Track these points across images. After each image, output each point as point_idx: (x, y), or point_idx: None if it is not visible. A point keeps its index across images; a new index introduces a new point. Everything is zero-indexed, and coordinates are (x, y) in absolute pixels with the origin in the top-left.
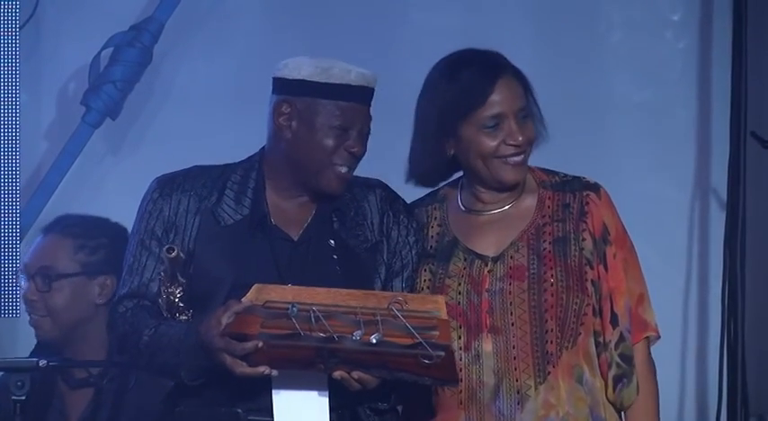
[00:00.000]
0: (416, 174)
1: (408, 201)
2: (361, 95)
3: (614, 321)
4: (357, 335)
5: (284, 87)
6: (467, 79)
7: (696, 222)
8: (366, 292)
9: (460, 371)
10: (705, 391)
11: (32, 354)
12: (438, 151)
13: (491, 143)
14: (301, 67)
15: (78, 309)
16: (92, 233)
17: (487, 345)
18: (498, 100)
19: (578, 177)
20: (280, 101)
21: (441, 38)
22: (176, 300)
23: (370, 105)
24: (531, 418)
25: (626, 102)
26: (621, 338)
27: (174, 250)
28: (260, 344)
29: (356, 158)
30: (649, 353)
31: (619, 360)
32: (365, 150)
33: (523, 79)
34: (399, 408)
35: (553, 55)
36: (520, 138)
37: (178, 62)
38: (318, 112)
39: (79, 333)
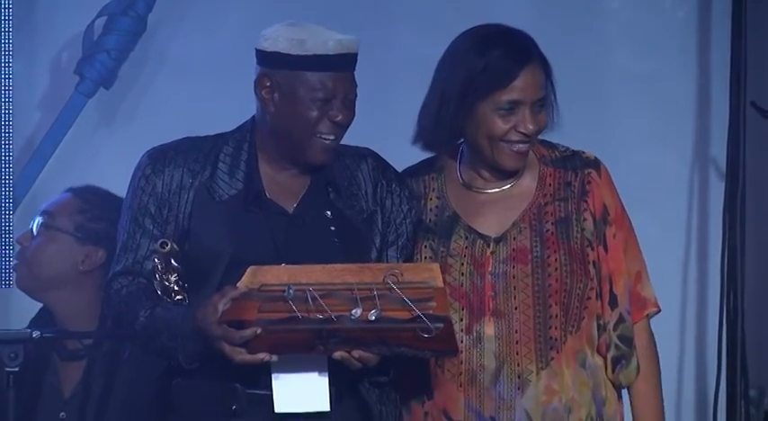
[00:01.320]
0: (424, 138)
1: (400, 170)
2: (340, 63)
3: (613, 302)
4: (355, 313)
5: (264, 60)
6: (495, 59)
7: (695, 193)
8: (361, 266)
9: (461, 353)
10: (704, 363)
11: (29, 327)
12: (451, 122)
13: (503, 126)
14: (277, 40)
15: (57, 267)
16: (101, 204)
17: (489, 329)
18: (520, 87)
19: (578, 152)
20: (261, 74)
21: (438, 8)
22: (171, 285)
23: (352, 70)
24: (531, 403)
25: (624, 71)
26: (621, 319)
27: (167, 244)
28: (258, 330)
29: (342, 126)
30: (650, 331)
31: (618, 341)
32: (352, 116)
33: (548, 68)
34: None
35: (551, 25)
36: (530, 127)
37: (173, 31)
38: (298, 85)
39: (59, 297)
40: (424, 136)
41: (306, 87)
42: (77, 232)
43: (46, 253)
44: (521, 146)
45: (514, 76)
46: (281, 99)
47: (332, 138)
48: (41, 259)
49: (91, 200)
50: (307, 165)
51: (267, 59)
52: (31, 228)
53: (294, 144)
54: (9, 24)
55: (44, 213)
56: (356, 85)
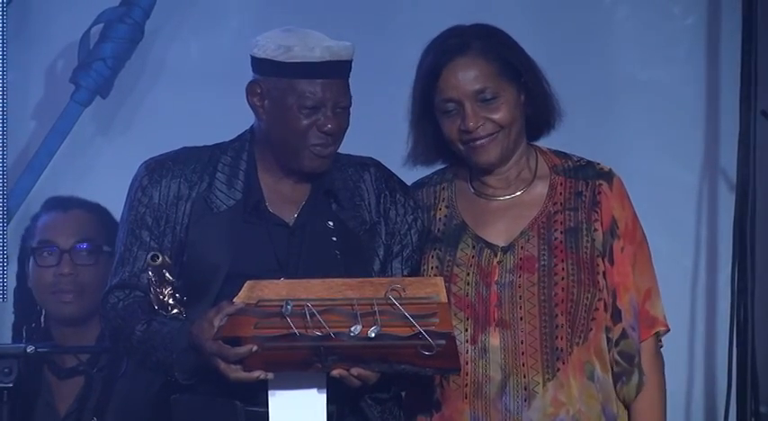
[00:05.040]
0: (416, 156)
1: (405, 180)
2: (329, 70)
3: (617, 317)
4: (355, 329)
5: (255, 66)
6: (425, 64)
7: (705, 204)
8: (362, 280)
9: (467, 364)
10: (714, 379)
11: (14, 340)
12: (424, 133)
13: (450, 128)
14: (267, 46)
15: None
16: (104, 211)
17: (494, 340)
18: (448, 85)
19: (592, 163)
20: (252, 81)
21: (441, 15)
22: (166, 298)
23: (344, 78)
24: (538, 416)
25: (632, 80)
26: (623, 335)
27: (158, 257)
28: (254, 348)
29: (333, 135)
30: (658, 349)
31: (618, 357)
32: (344, 125)
33: (496, 59)
34: (403, 394)
35: (556, 32)
36: (470, 124)
37: (170, 39)
38: (287, 93)
39: (94, 315)
40: (416, 155)
41: (293, 95)
42: (111, 246)
43: (98, 278)
44: (475, 143)
45: (437, 75)
46: (270, 106)
47: (322, 148)
48: (97, 284)
49: (100, 211)
50: (303, 173)
51: (257, 66)
52: (65, 258)
53: (288, 153)
54: (3, 32)
55: (87, 241)
56: (349, 94)
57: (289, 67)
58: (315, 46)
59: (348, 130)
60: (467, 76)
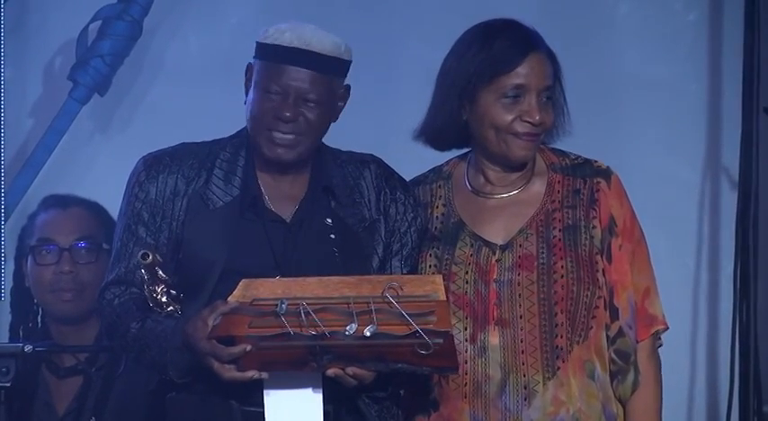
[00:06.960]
0: (426, 131)
1: (405, 177)
2: (299, 58)
3: (614, 315)
4: (350, 328)
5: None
6: (499, 46)
7: (707, 202)
8: (360, 278)
9: (465, 363)
10: (716, 377)
11: (11, 340)
12: (452, 112)
13: (506, 116)
14: (264, 30)
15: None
16: (103, 209)
17: (494, 338)
18: (525, 72)
19: (590, 161)
20: (248, 64)
21: (443, 11)
22: (160, 296)
23: (319, 71)
24: (538, 415)
25: (634, 77)
26: (620, 333)
27: (148, 256)
28: (248, 347)
29: (289, 123)
30: (655, 349)
31: (614, 356)
32: (311, 118)
33: (556, 64)
34: (402, 391)
35: (558, 28)
36: (537, 117)
37: (169, 36)
38: (261, 73)
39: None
40: (426, 130)
41: (261, 75)
42: (110, 244)
43: (97, 276)
44: (527, 138)
45: (518, 61)
46: (251, 88)
47: (282, 133)
48: (95, 283)
49: (97, 209)
50: (271, 163)
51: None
52: (64, 256)
53: (254, 138)
54: (0, 28)
55: (87, 239)
56: (320, 89)
57: (264, 48)
58: (287, 30)
59: (349, 129)
60: (543, 71)
